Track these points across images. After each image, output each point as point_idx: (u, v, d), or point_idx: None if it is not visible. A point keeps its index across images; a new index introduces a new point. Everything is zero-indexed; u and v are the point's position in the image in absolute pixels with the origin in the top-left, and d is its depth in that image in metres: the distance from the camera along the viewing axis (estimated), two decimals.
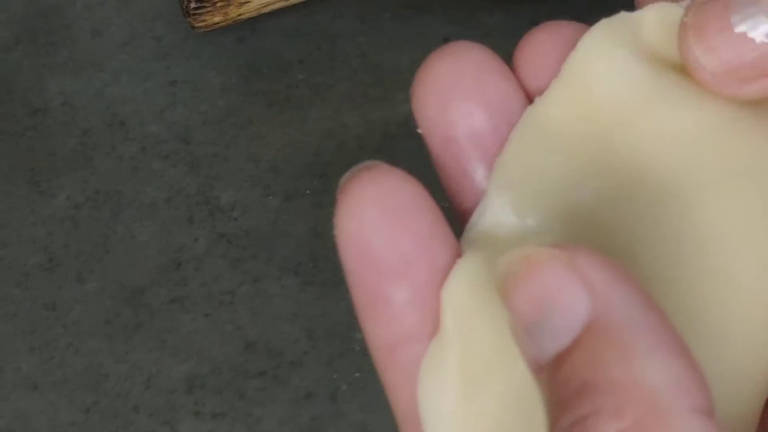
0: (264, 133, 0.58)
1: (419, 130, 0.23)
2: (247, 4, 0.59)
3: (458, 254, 0.21)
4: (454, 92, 0.22)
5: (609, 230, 0.21)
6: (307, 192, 0.55)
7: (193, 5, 0.58)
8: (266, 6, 0.59)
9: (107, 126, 0.59)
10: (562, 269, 0.17)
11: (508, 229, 0.21)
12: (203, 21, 0.59)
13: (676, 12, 0.22)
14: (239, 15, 0.59)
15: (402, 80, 0.59)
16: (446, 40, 0.59)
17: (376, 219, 0.20)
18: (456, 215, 0.23)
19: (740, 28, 0.20)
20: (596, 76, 0.22)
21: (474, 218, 0.22)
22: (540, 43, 0.23)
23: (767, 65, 0.20)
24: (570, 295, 0.17)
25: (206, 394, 0.50)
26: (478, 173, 0.22)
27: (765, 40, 0.20)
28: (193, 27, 0.59)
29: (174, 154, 0.57)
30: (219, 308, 0.52)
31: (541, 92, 0.22)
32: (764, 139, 0.21)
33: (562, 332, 0.17)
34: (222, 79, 0.60)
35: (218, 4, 0.58)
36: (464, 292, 0.20)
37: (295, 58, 0.61)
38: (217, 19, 0.59)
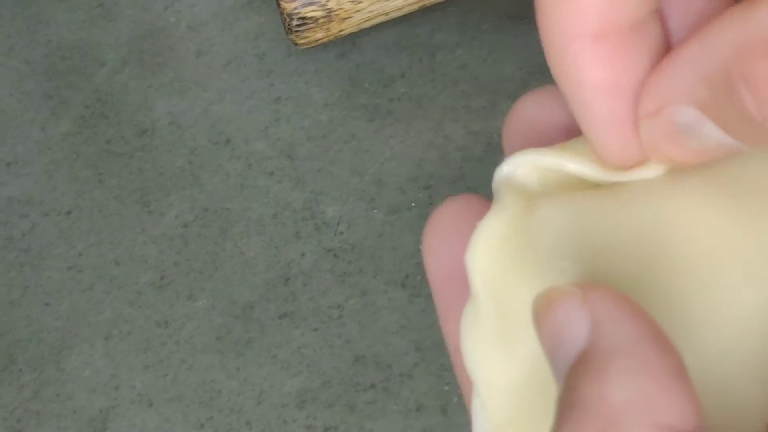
0: (367, 146, 0.58)
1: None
2: (349, 19, 0.59)
3: None
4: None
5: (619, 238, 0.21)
6: (413, 204, 0.55)
7: (295, 22, 0.58)
8: (367, 21, 0.60)
9: (213, 144, 0.59)
10: (572, 304, 0.18)
11: (532, 189, 0.22)
12: (306, 38, 0.59)
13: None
14: (341, 30, 0.60)
15: (503, 90, 0.59)
16: None
17: None
18: None
19: (691, 145, 0.20)
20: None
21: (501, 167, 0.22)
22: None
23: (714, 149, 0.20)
24: (573, 325, 0.18)
25: (317, 408, 0.50)
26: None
27: (715, 143, 0.20)
28: (296, 44, 0.60)
29: (279, 170, 0.58)
30: (327, 322, 0.52)
31: None
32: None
33: (567, 357, 0.18)
34: (324, 94, 0.60)
35: (320, 21, 0.59)
36: (488, 254, 0.21)
37: (396, 71, 0.61)
38: (319, 35, 0.59)
